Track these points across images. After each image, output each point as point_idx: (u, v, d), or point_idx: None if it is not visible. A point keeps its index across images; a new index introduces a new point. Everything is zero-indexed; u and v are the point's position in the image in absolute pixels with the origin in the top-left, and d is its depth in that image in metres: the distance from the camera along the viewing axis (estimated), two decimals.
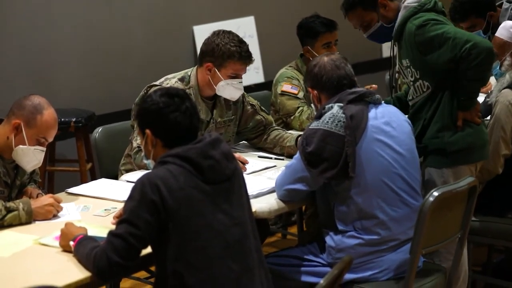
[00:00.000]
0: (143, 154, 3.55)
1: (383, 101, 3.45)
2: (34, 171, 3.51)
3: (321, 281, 2.46)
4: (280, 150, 4.11)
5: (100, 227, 3.09)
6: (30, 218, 3.21)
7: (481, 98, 3.88)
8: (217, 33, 3.94)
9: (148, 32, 5.90)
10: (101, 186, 3.68)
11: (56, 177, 5.31)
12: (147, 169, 3.60)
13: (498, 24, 4.26)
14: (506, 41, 4.04)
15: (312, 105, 3.61)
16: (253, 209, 3.11)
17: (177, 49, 6.08)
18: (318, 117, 3.31)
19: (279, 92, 4.74)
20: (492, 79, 4.51)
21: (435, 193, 3.07)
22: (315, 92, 3.43)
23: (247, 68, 3.98)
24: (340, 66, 3.38)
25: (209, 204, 2.72)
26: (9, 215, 3.18)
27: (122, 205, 2.84)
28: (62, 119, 4.84)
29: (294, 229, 5.30)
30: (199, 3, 6.21)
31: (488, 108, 4.03)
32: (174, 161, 2.71)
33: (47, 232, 3.09)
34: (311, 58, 4.50)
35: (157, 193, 2.65)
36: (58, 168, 5.31)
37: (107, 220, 3.21)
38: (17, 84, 5.23)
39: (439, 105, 3.72)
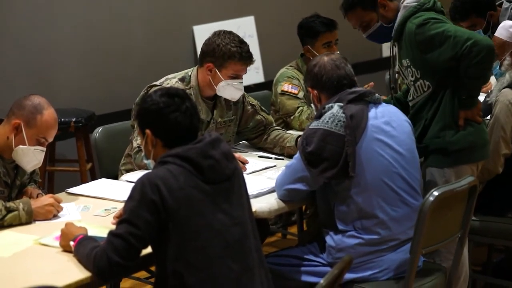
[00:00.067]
0: (143, 154, 3.56)
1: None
2: (34, 171, 3.51)
3: (321, 280, 2.46)
4: (280, 150, 4.11)
5: (100, 227, 3.09)
6: (30, 218, 3.21)
7: (481, 98, 3.88)
8: (217, 34, 3.94)
9: (148, 32, 5.90)
10: (101, 186, 3.68)
11: (56, 177, 5.31)
12: (147, 169, 3.61)
13: (498, 23, 4.27)
14: (505, 40, 4.05)
15: (312, 105, 3.61)
16: (253, 209, 3.11)
17: (177, 49, 6.08)
18: (318, 116, 3.31)
19: (279, 91, 4.74)
20: (492, 79, 4.51)
21: (435, 193, 3.07)
22: (315, 92, 3.43)
23: (247, 68, 3.98)
24: (340, 66, 3.39)
25: (209, 204, 2.73)
26: (9, 215, 3.18)
27: (122, 205, 2.84)
28: (62, 119, 4.84)
29: (294, 229, 5.30)
30: (199, 3, 6.21)
31: (488, 107, 4.03)
32: (174, 161, 2.71)
33: (47, 232, 3.09)
34: (311, 58, 4.50)
35: (157, 193, 2.65)
36: (58, 168, 5.31)
37: (107, 220, 3.21)
38: (17, 84, 5.23)
39: (440, 105, 3.71)
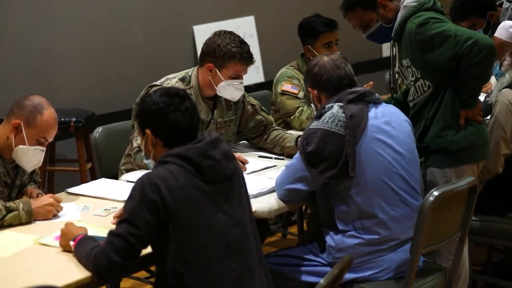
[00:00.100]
0: (143, 154, 3.56)
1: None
2: (34, 171, 3.51)
3: (321, 280, 2.46)
4: (280, 150, 4.11)
5: (100, 227, 3.09)
6: (30, 218, 3.21)
7: (481, 98, 3.88)
8: (218, 34, 3.94)
9: (148, 32, 5.90)
10: (101, 186, 3.68)
11: (56, 177, 5.31)
12: (147, 169, 3.61)
13: (498, 23, 4.27)
14: (505, 41, 4.05)
15: (312, 105, 3.61)
16: (253, 209, 3.11)
17: (177, 49, 6.08)
18: (318, 116, 3.31)
19: (279, 91, 4.74)
20: (492, 79, 4.51)
21: (435, 193, 3.07)
22: (315, 91, 3.43)
23: (248, 68, 3.98)
24: (340, 66, 3.39)
25: (209, 204, 2.73)
26: (9, 215, 3.17)
27: (122, 205, 2.84)
28: (62, 119, 4.84)
29: (294, 229, 5.30)
30: (199, 3, 6.21)
31: (488, 107, 4.03)
32: (174, 161, 2.71)
33: (47, 232, 3.09)
34: (311, 58, 4.50)
35: (157, 193, 2.65)
36: (58, 168, 5.31)
37: (107, 220, 3.21)
38: (17, 84, 5.22)
39: (441, 104, 3.71)
